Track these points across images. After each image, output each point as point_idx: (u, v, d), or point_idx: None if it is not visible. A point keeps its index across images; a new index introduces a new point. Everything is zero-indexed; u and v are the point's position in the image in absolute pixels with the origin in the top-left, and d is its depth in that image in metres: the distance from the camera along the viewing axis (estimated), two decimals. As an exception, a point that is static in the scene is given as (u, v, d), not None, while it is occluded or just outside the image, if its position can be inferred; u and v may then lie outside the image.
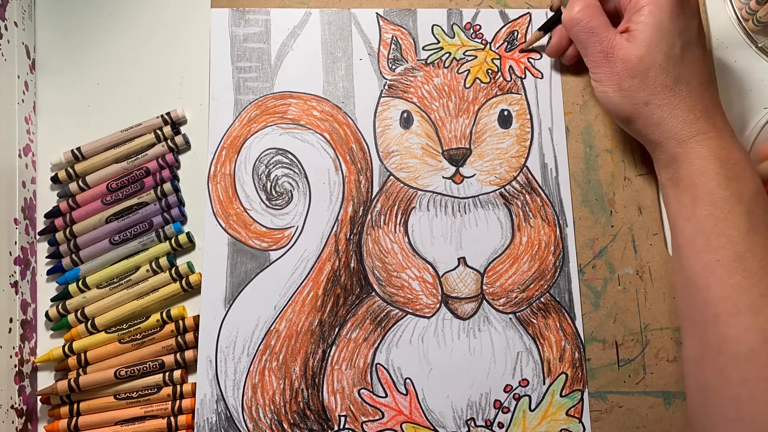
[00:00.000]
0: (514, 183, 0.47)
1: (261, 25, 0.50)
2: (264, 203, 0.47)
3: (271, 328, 0.45)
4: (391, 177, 0.47)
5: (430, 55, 0.49)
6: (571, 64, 0.48)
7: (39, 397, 0.44)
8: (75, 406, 0.43)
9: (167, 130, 0.48)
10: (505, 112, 0.48)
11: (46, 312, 0.46)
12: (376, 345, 0.45)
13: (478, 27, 0.50)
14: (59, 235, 0.47)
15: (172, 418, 0.43)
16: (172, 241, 0.46)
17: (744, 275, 0.36)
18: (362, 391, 0.44)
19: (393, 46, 0.49)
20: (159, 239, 0.46)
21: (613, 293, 0.46)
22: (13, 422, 0.42)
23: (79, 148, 0.48)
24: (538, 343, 0.45)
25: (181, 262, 0.46)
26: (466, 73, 0.49)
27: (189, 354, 0.44)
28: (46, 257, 0.47)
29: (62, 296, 0.46)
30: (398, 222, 0.47)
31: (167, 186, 0.47)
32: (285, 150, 0.48)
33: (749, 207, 0.38)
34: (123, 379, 0.43)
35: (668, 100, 0.40)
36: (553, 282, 0.46)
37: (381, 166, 0.47)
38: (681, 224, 0.40)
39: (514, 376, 0.44)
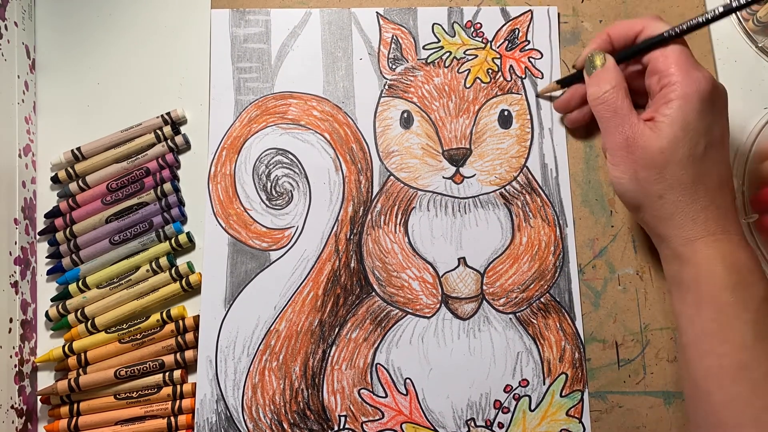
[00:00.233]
0: (514, 183, 0.47)
1: (261, 25, 0.50)
2: (264, 203, 0.47)
3: (271, 328, 0.45)
4: (392, 177, 0.47)
5: (430, 55, 0.49)
6: (574, 128, 0.48)
7: (39, 397, 0.44)
8: (75, 406, 0.44)
9: (167, 130, 0.48)
10: (506, 112, 0.48)
11: (46, 312, 0.46)
12: (376, 345, 0.45)
13: (479, 25, 0.50)
14: (59, 235, 0.47)
15: (172, 418, 0.43)
16: (172, 241, 0.46)
17: (748, 386, 0.35)
18: (362, 391, 0.44)
19: (393, 45, 0.49)
20: (159, 239, 0.46)
21: (613, 293, 0.45)
22: (13, 422, 0.42)
23: (79, 148, 0.48)
24: (538, 343, 0.45)
25: (181, 262, 0.46)
26: (466, 72, 0.49)
27: (189, 354, 0.44)
28: (46, 257, 0.47)
29: (62, 296, 0.46)
30: (398, 222, 0.47)
31: (167, 186, 0.47)
32: (285, 150, 0.48)
33: (756, 315, 0.36)
34: (123, 379, 0.43)
35: (683, 197, 0.38)
36: (553, 282, 0.46)
37: (381, 166, 0.47)
38: (685, 324, 0.39)
39: (514, 377, 0.44)
